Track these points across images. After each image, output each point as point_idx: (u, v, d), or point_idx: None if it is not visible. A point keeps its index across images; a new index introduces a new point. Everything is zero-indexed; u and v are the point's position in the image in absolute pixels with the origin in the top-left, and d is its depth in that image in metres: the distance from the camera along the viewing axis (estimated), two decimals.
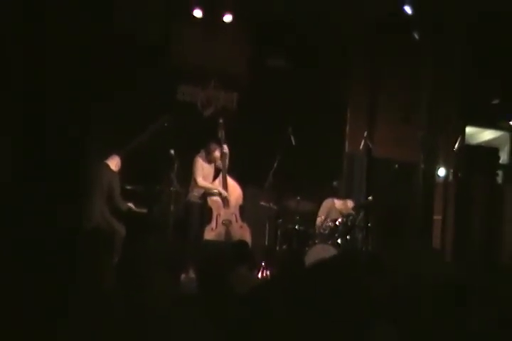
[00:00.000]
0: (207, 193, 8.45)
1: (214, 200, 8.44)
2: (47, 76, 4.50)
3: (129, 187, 8.18)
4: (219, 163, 8.52)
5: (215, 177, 8.58)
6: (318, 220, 8.74)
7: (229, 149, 8.48)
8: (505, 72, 9.58)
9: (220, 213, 8.43)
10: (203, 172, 8.44)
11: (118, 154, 7.98)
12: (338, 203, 8.92)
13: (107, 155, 7.92)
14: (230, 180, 8.54)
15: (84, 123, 5.48)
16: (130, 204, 7.95)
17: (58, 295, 3.97)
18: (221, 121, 8.54)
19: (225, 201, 8.46)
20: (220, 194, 8.42)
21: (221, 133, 8.48)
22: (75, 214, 6.08)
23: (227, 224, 8.42)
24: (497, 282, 5.89)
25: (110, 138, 8.11)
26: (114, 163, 7.90)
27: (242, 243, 7.02)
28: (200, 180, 8.38)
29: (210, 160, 8.48)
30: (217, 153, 8.43)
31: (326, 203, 8.95)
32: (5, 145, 3.89)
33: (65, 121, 5.86)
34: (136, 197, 8.10)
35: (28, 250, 4.14)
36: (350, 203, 8.91)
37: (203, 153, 8.48)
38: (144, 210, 8.10)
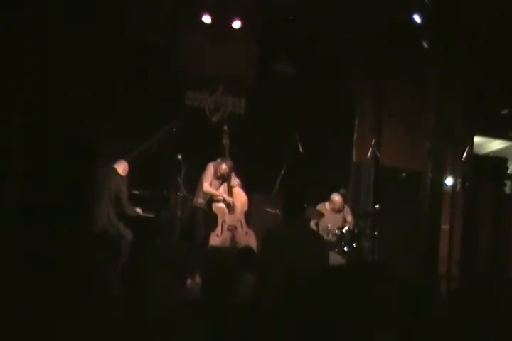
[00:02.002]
0: (212, 199, 8.43)
1: (219, 206, 8.43)
2: (56, 81, 4.51)
3: (136, 192, 8.18)
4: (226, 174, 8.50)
5: (220, 184, 8.56)
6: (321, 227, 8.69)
7: (235, 155, 8.48)
8: None
9: (225, 219, 8.41)
10: (212, 181, 8.44)
11: (125, 158, 7.98)
12: (327, 205, 8.86)
13: (115, 160, 7.92)
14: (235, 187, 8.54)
15: (92, 128, 5.47)
16: (138, 209, 7.95)
17: (64, 298, 3.94)
18: (225, 127, 8.52)
19: (230, 207, 8.44)
20: (224, 200, 8.40)
21: (225, 140, 8.46)
22: (82, 218, 6.07)
23: (232, 230, 8.40)
24: (505, 292, 5.85)
25: (118, 142, 8.11)
26: (121, 168, 7.89)
27: (247, 249, 7.01)
28: (207, 186, 8.37)
29: (217, 175, 8.46)
30: (224, 166, 8.40)
31: (319, 208, 8.89)
32: (15, 147, 3.88)
33: (73, 125, 5.85)
34: (144, 201, 8.09)
35: (34, 252, 4.12)
36: (336, 197, 8.81)
37: (216, 162, 8.46)
38: (151, 215, 8.09)
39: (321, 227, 8.65)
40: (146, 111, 8.79)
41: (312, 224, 8.55)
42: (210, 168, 8.44)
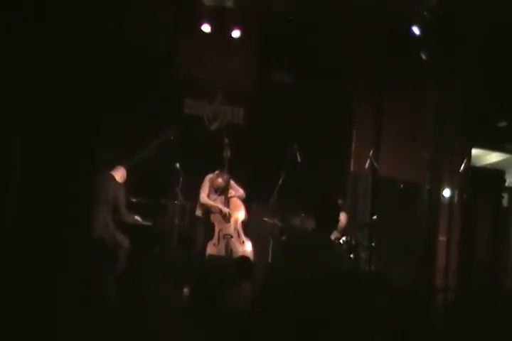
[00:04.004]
0: (209, 210, 8.45)
1: (215, 216, 8.43)
2: (54, 90, 4.50)
3: (134, 200, 8.17)
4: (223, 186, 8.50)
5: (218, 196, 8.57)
6: None
7: (233, 164, 8.48)
8: None
9: (222, 228, 8.42)
10: (209, 192, 8.46)
11: (124, 166, 7.96)
12: None
13: (113, 167, 7.91)
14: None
15: (90, 135, 5.44)
16: (137, 217, 7.94)
17: (59, 306, 3.92)
18: (226, 140, 8.50)
19: (226, 217, 8.44)
20: (220, 211, 8.40)
21: (226, 153, 8.44)
22: (78, 225, 6.04)
23: (228, 239, 8.40)
24: (501, 305, 5.83)
25: (116, 150, 8.08)
26: (119, 175, 7.89)
27: (244, 259, 6.97)
28: (204, 197, 8.40)
29: (214, 188, 8.47)
30: (219, 180, 8.41)
31: None
32: (14, 151, 3.86)
33: (70, 132, 5.83)
34: (141, 209, 8.08)
35: (30, 260, 4.09)
36: (342, 216, 8.81)
37: (213, 175, 8.46)
38: (149, 223, 8.08)
39: None
40: (145, 118, 8.79)
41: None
42: (207, 181, 8.47)
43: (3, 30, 3.76)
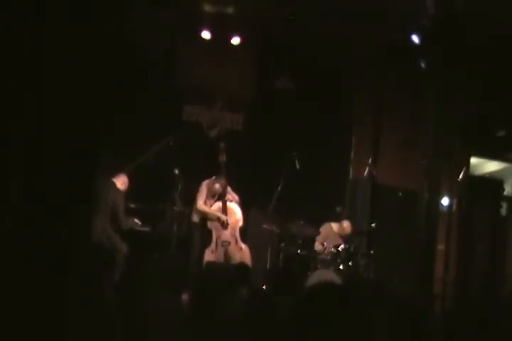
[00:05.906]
0: (206, 217, 8.44)
1: (213, 223, 8.42)
2: (53, 90, 4.49)
3: (132, 206, 8.16)
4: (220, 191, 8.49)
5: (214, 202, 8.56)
6: (317, 245, 8.67)
7: (232, 171, 8.48)
8: None
9: (219, 235, 8.41)
10: (206, 199, 8.45)
11: (125, 173, 7.96)
12: (335, 226, 8.88)
13: (114, 174, 7.91)
14: (229, 203, 8.52)
15: (90, 135, 5.43)
16: (136, 220, 7.93)
17: (59, 309, 3.90)
18: (222, 145, 8.50)
19: (224, 224, 8.43)
20: (218, 218, 8.39)
21: (222, 158, 8.44)
22: (78, 231, 6.02)
23: (226, 245, 8.38)
24: (499, 314, 5.81)
25: (116, 153, 8.07)
26: (120, 182, 7.89)
27: (242, 266, 6.96)
28: (201, 204, 8.39)
29: (211, 194, 8.47)
30: (217, 186, 8.40)
31: (324, 228, 8.90)
32: (15, 159, 3.85)
33: (70, 132, 5.81)
34: (140, 215, 8.08)
35: (30, 260, 4.07)
36: (346, 224, 8.84)
37: (210, 181, 8.46)
38: (147, 229, 8.08)
39: (316, 244, 8.67)
40: (145, 125, 8.79)
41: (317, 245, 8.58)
42: (204, 187, 8.46)
43: (3, 30, 3.76)
